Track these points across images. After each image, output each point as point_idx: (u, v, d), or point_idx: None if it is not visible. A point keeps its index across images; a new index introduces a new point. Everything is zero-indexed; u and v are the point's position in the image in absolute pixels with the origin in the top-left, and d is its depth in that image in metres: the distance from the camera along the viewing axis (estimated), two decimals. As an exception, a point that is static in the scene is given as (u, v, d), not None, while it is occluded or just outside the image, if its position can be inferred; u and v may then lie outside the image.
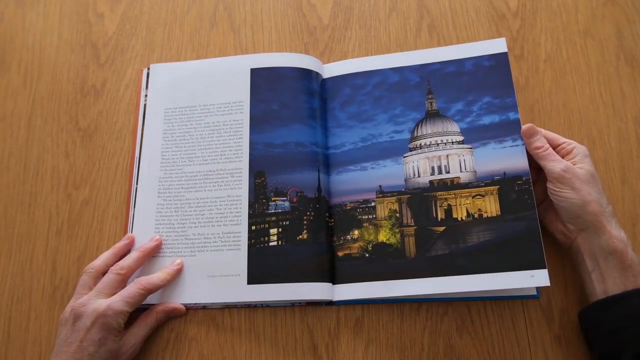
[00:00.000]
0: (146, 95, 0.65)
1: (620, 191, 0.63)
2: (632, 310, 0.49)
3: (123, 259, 0.56)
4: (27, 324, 0.57)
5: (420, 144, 0.61)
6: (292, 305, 0.57)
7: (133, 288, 0.53)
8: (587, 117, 0.66)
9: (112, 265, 0.55)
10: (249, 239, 0.57)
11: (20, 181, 0.63)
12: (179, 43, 0.70)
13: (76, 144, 0.65)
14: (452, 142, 0.62)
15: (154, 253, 0.58)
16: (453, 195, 0.59)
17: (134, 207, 0.60)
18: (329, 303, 0.57)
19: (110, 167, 0.63)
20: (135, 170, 0.62)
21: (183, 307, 0.56)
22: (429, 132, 0.62)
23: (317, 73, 0.64)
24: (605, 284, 0.51)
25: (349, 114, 0.62)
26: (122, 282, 0.54)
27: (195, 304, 0.57)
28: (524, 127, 0.58)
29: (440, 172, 0.61)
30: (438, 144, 0.62)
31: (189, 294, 0.56)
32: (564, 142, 0.58)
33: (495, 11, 0.72)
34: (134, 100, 0.66)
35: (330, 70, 0.66)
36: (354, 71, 0.65)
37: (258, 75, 0.63)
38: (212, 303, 0.57)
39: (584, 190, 0.53)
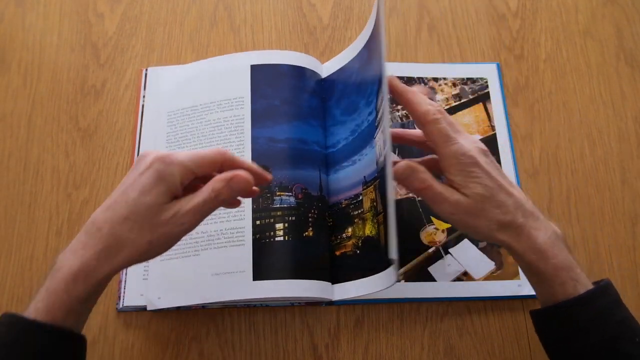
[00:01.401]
0: (144, 96, 0.66)
1: (620, 191, 0.63)
2: (576, 322, 0.44)
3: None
4: (27, 324, 0.57)
5: (379, 118, 0.54)
6: (292, 305, 0.57)
7: (208, 150, 0.44)
8: (587, 117, 0.66)
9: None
10: (254, 233, 0.56)
11: (20, 181, 0.63)
12: (179, 43, 0.70)
13: (76, 144, 0.65)
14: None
15: (245, 186, 0.43)
16: None
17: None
18: (329, 303, 0.57)
19: (110, 167, 0.63)
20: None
21: (250, 176, 0.43)
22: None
23: (315, 72, 0.64)
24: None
25: (342, 109, 0.61)
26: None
27: (204, 304, 0.56)
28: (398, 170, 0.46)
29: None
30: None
31: (193, 293, 0.56)
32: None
33: (495, 11, 0.72)
34: (134, 100, 0.66)
35: (328, 69, 0.66)
36: (345, 63, 0.64)
37: (258, 72, 0.63)
38: (216, 302, 0.56)
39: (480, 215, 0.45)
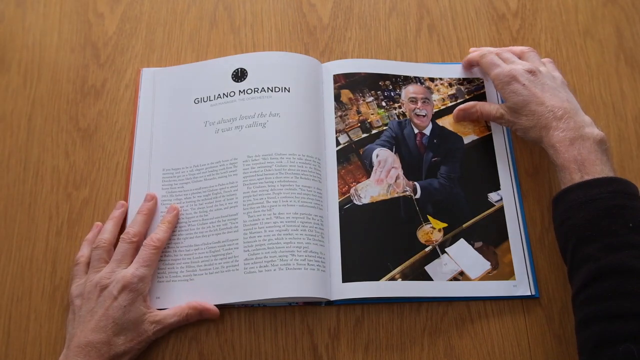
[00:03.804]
0: (139, 97, 0.66)
1: (620, 191, 0.63)
2: (569, 204, 0.51)
3: (130, 226, 0.58)
4: (27, 324, 0.57)
5: None
6: (290, 305, 0.58)
7: (145, 252, 0.55)
8: (587, 117, 0.66)
9: (118, 235, 0.57)
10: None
11: (20, 181, 0.63)
12: (179, 43, 0.70)
13: (76, 144, 0.65)
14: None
15: (155, 211, 0.59)
16: None
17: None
18: (329, 303, 0.57)
19: (110, 167, 0.63)
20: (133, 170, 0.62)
21: (216, 310, 0.56)
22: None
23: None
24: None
25: None
26: (137, 249, 0.56)
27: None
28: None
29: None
30: None
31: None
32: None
33: (495, 11, 0.72)
34: (133, 100, 0.66)
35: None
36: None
37: None
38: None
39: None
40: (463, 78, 0.67)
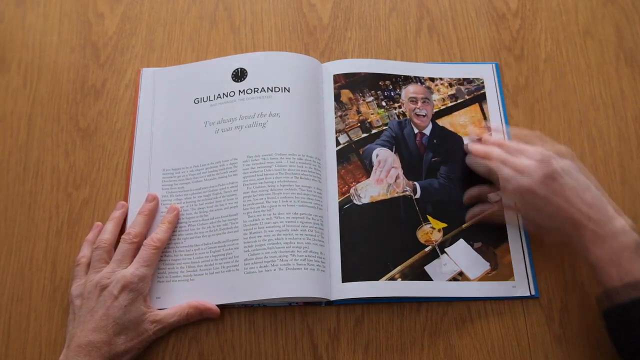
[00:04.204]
0: (139, 97, 0.66)
1: (620, 191, 0.63)
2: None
3: (131, 227, 0.58)
4: (27, 324, 0.57)
5: None
6: (290, 305, 0.58)
7: (146, 251, 0.55)
8: (587, 117, 0.66)
9: (119, 235, 0.57)
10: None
11: (20, 181, 0.63)
12: (179, 43, 0.70)
13: (76, 144, 0.65)
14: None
15: (156, 212, 0.60)
16: None
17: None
18: (329, 303, 0.57)
19: (110, 167, 0.63)
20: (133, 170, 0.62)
21: (217, 309, 0.56)
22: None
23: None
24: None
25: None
26: (137, 249, 0.56)
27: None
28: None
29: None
30: None
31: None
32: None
33: (495, 11, 0.72)
34: (133, 100, 0.66)
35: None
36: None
37: None
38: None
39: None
40: (463, 78, 0.67)
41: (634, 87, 0.68)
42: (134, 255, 0.56)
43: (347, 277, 0.57)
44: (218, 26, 0.71)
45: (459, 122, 0.65)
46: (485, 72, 0.68)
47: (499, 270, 0.58)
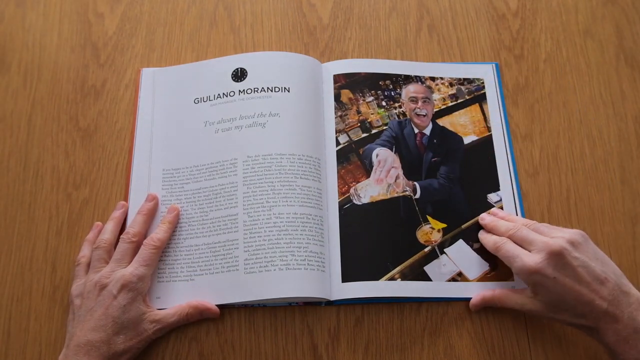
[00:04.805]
0: (139, 97, 0.66)
1: (620, 191, 0.63)
2: None
3: (130, 226, 0.58)
4: (27, 324, 0.57)
5: None
6: (290, 305, 0.58)
7: (145, 251, 0.55)
8: (587, 117, 0.66)
9: (119, 235, 0.57)
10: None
11: (20, 181, 0.63)
12: (179, 43, 0.70)
13: (76, 144, 0.65)
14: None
15: (156, 212, 0.60)
16: None
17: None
18: (329, 303, 0.57)
19: (110, 167, 0.63)
20: (133, 170, 0.62)
21: (217, 309, 0.56)
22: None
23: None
24: None
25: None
26: (136, 249, 0.56)
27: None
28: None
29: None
30: None
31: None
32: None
33: (495, 11, 0.72)
34: (133, 100, 0.66)
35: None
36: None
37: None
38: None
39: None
40: (464, 78, 0.67)
41: (634, 87, 0.68)
42: (133, 255, 0.56)
43: (347, 277, 0.57)
44: (218, 26, 0.71)
45: (459, 122, 0.65)
46: (485, 72, 0.68)
47: (499, 270, 0.58)
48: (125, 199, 0.61)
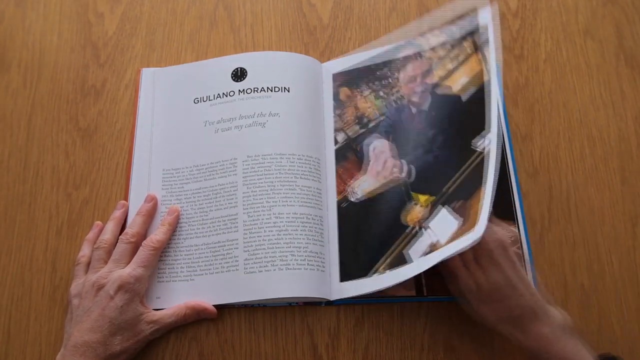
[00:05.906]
0: (139, 97, 0.66)
1: (620, 191, 0.63)
2: None
3: (129, 227, 0.58)
4: (27, 324, 0.57)
5: None
6: (290, 305, 0.58)
7: (144, 252, 0.55)
8: (587, 117, 0.66)
9: (119, 235, 0.57)
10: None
11: (20, 181, 0.63)
12: (179, 43, 0.70)
13: (76, 144, 0.65)
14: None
15: (155, 213, 0.60)
16: None
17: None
18: (329, 303, 0.57)
19: (110, 167, 0.63)
20: (133, 170, 0.62)
21: (214, 309, 0.56)
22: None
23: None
24: None
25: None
26: (135, 249, 0.56)
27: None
28: None
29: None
30: None
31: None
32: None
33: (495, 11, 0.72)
34: (133, 100, 0.66)
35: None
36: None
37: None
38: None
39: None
40: (457, 17, 0.63)
41: (634, 87, 0.68)
42: (132, 255, 0.56)
43: (344, 276, 0.57)
44: (218, 26, 0.71)
45: (461, 83, 0.61)
46: (483, 18, 0.64)
47: (469, 222, 0.53)
48: (125, 199, 0.61)
